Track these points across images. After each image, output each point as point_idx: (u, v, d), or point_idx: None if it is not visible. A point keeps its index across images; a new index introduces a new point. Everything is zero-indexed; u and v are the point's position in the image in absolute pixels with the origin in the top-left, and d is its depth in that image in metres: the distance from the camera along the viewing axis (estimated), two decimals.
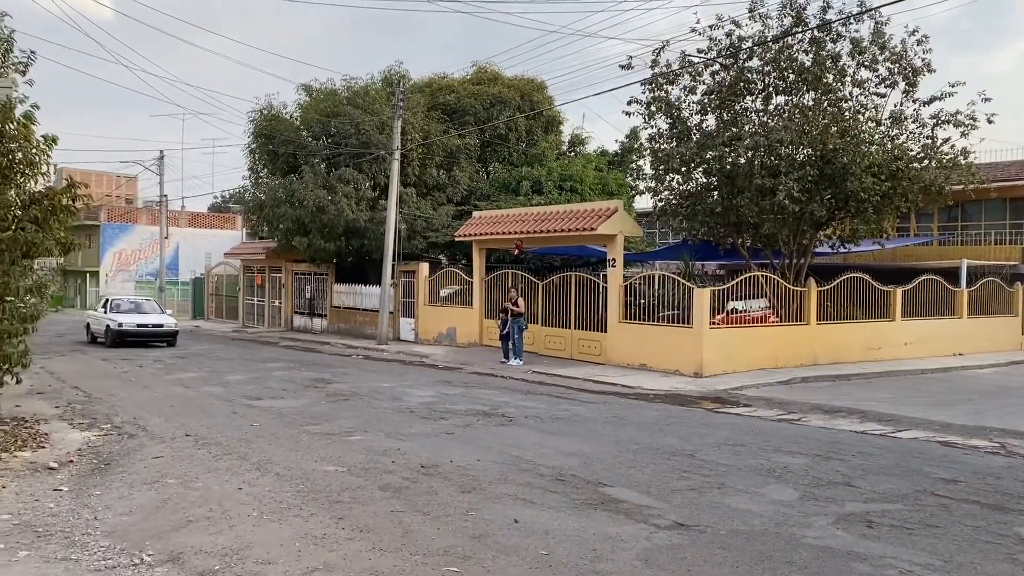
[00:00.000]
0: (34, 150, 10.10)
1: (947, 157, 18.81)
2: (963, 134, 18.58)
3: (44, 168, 10.26)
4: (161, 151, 42.00)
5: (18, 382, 11.44)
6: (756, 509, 7.21)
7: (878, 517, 7.01)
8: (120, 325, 24.57)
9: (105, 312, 25.86)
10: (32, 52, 10.72)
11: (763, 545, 6.22)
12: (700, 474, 8.54)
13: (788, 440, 10.65)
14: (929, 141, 18.80)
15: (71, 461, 8.98)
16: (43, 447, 9.72)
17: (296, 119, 29.40)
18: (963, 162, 18.91)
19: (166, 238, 43.81)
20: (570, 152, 32.17)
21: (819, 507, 7.31)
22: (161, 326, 25.47)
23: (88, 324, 27.33)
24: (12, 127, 9.90)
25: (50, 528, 6.52)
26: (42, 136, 10.16)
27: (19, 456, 9.14)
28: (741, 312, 18.58)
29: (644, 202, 25.23)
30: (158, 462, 8.96)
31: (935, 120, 18.65)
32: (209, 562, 5.73)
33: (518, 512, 7.01)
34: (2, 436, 9.85)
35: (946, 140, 18.80)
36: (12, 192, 10.12)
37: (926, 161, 18.76)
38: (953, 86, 18.20)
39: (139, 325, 24.99)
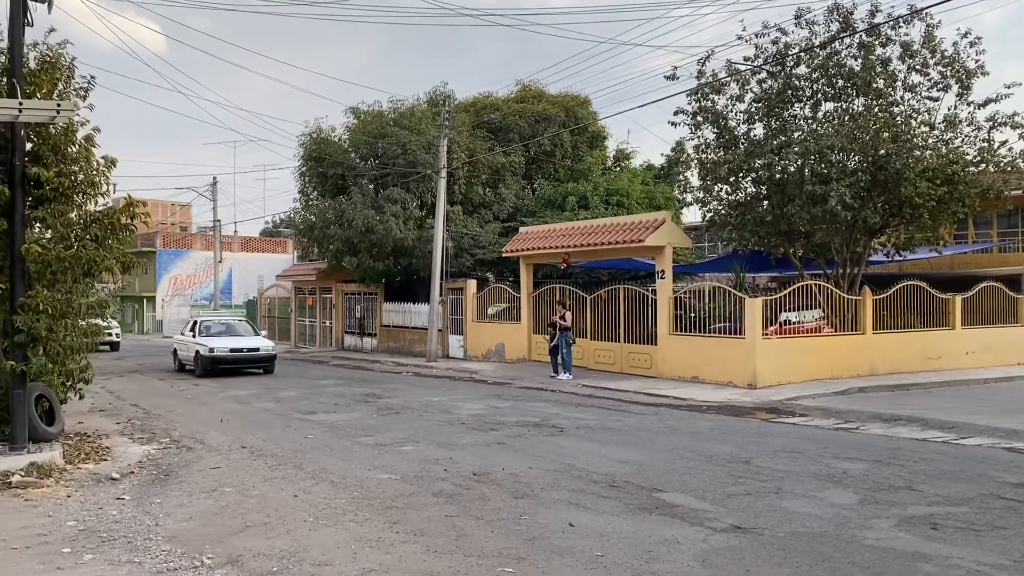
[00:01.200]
0: (94, 171, 10.45)
1: (1005, 160, 18.34)
2: (1021, 136, 18.10)
3: (104, 188, 10.60)
4: (214, 177, 43.19)
5: (80, 398, 11.77)
6: (815, 512, 7.05)
7: (943, 519, 6.81)
8: (212, 351, 21.69)
9: (194, 336, 22.99)
10: (92, 77, 11.08)
11: (823, 546, 6.08)
12: (756, 479, 8.39)
13: (846, 447, 10.41)
14: (986, 144, 18.33)
15: (132, 472, 9.20)
16: (105, 460, 9.97)
17: (344, 141, 29.86)
18: (1022, 165, 18.42)
19: (220, 262, 44.87)
20: (615, 167, 32.11)
21: (880, 510, 7.12)
22: (257, 350, 22.62)
23: (175, 350, 24.55)
24: (74, 149, 10.27)
25: (113, 533, 6.67)
26: (102, 157, 10.52)
27: (83, 468, 9.39)
28: (794, 323, 18.26)
29: (692, 215, 25.07)
30: (215, 472, 9.13)
31: (991, 123, 18.20)
32: (267, 564, 5.81)
33: (572, 516, 6.97)
34: (67, 450, 10.12)
35: (1003, 143, 18.34)
36: (74, 212, 10.48)
37: (983, 165, 18.29)
38: (1009, 87, 17.77)
39: (232, 349, 22.05)
